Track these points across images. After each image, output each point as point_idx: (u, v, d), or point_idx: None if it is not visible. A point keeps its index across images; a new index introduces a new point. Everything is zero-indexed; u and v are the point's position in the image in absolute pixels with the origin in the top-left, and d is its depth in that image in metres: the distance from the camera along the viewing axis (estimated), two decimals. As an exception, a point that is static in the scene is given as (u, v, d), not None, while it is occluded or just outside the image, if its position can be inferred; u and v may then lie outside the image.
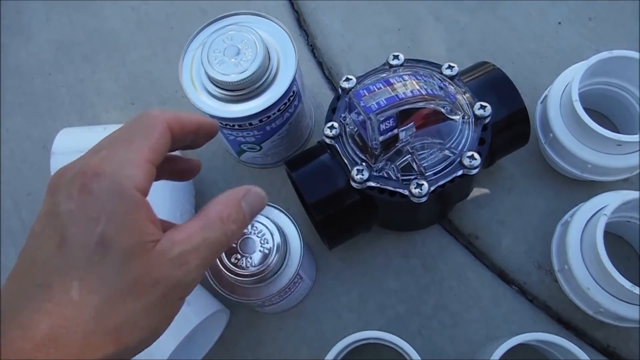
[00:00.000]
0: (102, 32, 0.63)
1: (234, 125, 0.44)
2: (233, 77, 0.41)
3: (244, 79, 0.41)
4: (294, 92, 0.45)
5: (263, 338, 0.49)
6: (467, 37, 0.57)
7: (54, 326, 0.21)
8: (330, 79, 0.58)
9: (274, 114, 0.44)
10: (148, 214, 0.24)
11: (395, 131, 0.38)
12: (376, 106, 0.36)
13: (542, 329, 0.47)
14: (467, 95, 0.42)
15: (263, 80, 0.42)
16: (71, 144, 0.48)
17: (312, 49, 0.60)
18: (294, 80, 0.43)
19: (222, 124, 0.44)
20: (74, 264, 0.23)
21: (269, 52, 0.43)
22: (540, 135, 0.48)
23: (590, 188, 0.49)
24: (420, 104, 0.38)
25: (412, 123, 0.39)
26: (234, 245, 0.41)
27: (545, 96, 0.48)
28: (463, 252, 0.50)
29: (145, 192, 0.25)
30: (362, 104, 0.37)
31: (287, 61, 0.44)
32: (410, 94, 0.37)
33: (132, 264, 0.23)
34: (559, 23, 0.56)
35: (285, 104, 0.44)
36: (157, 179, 0.27)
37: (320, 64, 0.59)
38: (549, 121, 0.46)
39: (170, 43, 0.61)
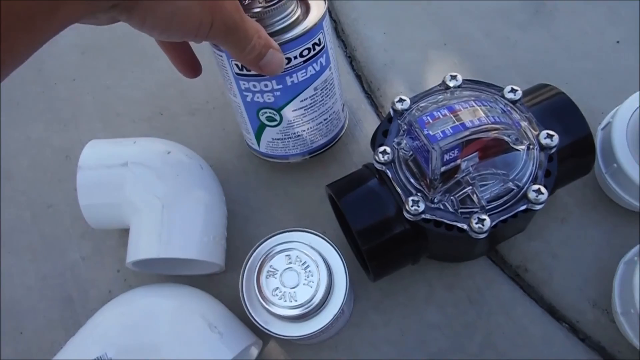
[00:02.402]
0: (129, 37, 0.60)
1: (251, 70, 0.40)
2: (258, 9, 0.38)
3: (271, 6, 0.37)
4: (320, 40, 0.41)
5: (296, 371, 0.46)
6: (518, 55, 0.54)
7: None
8: (370, 94, 0.55)
9: (295, 57, 0.40)
10: None
11: (458, 161, 0.35)
12: (441, 135, 0.33)
13: (597, 372, 0.44)
14: (532, 121, 0.39)
15: (288, 20, 0.39)
16: (99, 158, 0.45)
17: (351, 60, 0.57)
18: (320, 26, 0.40)
19: (238, 67, 0.41)
20: None
21: None
22: (601, 165, 0.45)
23: (651, 221, 0.46)
24: (488, 134, 0.35)
25: (475, 153, 0.36)
26: (275, 277, 0.38)
27: (609, 123, 0.45)
28: (511, 286, 0.47)
29: None
30: (425, 132, 0.33)
31: (316, 11, 0.40)
32: (477, 123, 0.34)
33: None
34: (617, 42, 0.53)
35: (309, 50, 0.40)
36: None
37: (359, 77, 0.56)
38: (613, 150, 0.43)
39: (201, 50, 0.58)
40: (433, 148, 0.33)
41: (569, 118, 0.41)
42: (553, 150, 0.38)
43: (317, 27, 0.40)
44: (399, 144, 0.39)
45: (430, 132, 0.33)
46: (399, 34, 0.56)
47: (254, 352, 0.45)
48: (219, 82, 0.57)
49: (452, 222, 0.37)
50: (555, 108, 0.42)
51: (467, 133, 0.33)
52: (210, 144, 0.54)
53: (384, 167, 0.39)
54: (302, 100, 0.43)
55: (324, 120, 0.47)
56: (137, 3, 0.27)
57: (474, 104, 0.35)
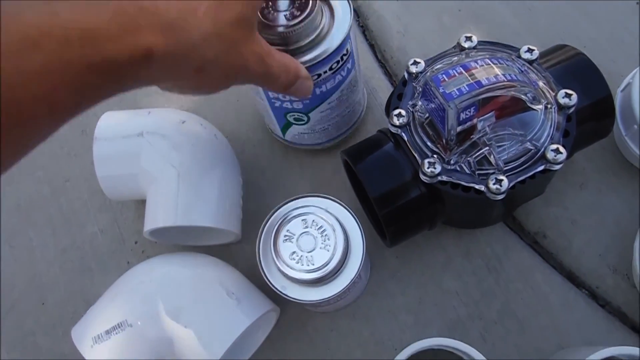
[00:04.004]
0: (142, 12, 0.60)
1: None
2: (281, 29, 0.37)
3: (295, 27, 0.37)
4: (347, 50, 0.41)
5: (314, 338, 0.46)
6: (536, 20, 0.53)
7: (182, 10, 0.27)
8: (384, 63, 0.55)
9: (324, 72, 0.40)
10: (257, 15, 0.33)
11: (474, 121, 0.35)
12: (457, 93, 0.33)
13: (618, 337, 0.43)
14: (549, 81, 0.38)
15: (315, 34, 0.38)
16: (115, 128, 0.45)
17: (364, 30, 0.56)
18: (348, 36, 0.40)
19: None
20: None
21: (321, 5, 0.39)
22: (620, 127, 0.44)
23: (672, 186, 0.45)
24: (504, 92, 0.34)
25: (492, 112, 0.35)
26: (292, 241, 0.38)
27: (629, 83, 0.44)
28: (530, 253, 0.46)
29: None
30: (441, 90, 0.33)
31: (341, 16, 0.40)
32: (494, 80, 0.34)
33: (242, 21, 0.29)
34: (637, 3, 0.52)
35: (338, 62, 0.40)
36: None
37: (372, 47, 0.56)
38: (633, 111, 0.42)
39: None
40: (449, 106, 0.33)
41: (588, 78, 0.40)
42: (571, 110, 0.37)
43: (345, 40, 0.39)
44: (414, 106, 0.38)
45: (446, 90, 0.33)
46: (412, 0, 0.56)
47: (272, 319, 0.46)
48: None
49: (469, 184, 0.36)
50: (573, 68, 0.41)
51: (482, 90, 0.33)
52: (225, 116, 0.54)
53: (399, 131, 0.39)
54: (329, 103, 0.44)
55: (348, 112, 0.48)
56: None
57: (489, 61, 0.35)
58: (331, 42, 0.39)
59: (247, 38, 0.31)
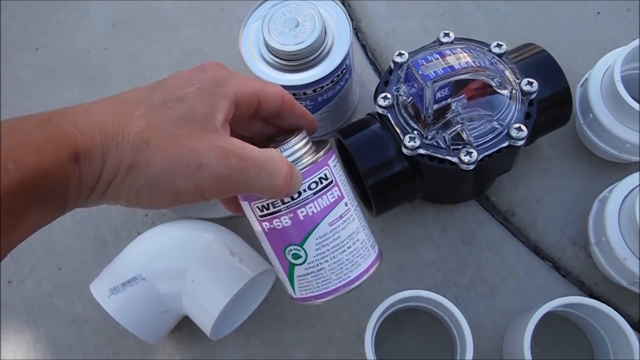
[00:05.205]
0: (155, 11, 0.66)
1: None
2: (291, 47, 0.44)
3: (302, 49, 0.44)
4: (346, 65, 0.47)
5: (306, 301, 0.51)
6: (508, 25, 0.59)
7: (115, 113, 0.28)
8: (374, 61, 0.61)
9: (327, 84, 0.46)
10: (224, 115, 0.29)
11: (449, 100, 0.41)
12: (433, 74, 0.39)
13: (576, 302, 0.49)
14: (515, 72, 0.44)
15: (319, 52, 0.45)
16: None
17: (357, 32, 0.63)
18: (347, 54, 0.46)
19: None
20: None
21: (325, 26, 0.45)
22: (579, 117, 0.50)
23: (625, 170, 0.51)
24: (473, 75, 0.40)
25: (463, 95, 0.41)
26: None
27: (586, 79, 0.50)
28: (500, 228, 0.52)
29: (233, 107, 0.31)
30: (420, 72, 0.39)
31: (342, 36, 0.46)
32: (465, 65, 0.40)
33: (189, 118, 0.28)
34: (598, 13, 0.58)
35: (338, 76, 0.47)
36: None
37: (364, 47, 0.62)
38: (589, 102, 0.48)
39: (220, 23, 0.64)
40: (427, 85, 0.39)
41: (550, 72, 0.47)
42: (533, 96, 0.43)
43: (345, 57, 0.46)
44: (398, 89, 0.44)
45: (424, 72, 0.39)
46: (400, 5, 0.62)
47: (269, 283, 0.51)
48: (237, 51, 0.63)
49: (444, 156, 0.42)
50: (537, 63, 0.47)
51: (455, 72, 0.39)
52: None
53: (385, 111, 0.44)
54: (328, 107, 0.50)
55: (344, 110, 0.54)
56: (105, 195, 0.28)
57: (462, 51, 0.41)
58: (333, 60, 0.45)
59: (199, 133, 0.28)
